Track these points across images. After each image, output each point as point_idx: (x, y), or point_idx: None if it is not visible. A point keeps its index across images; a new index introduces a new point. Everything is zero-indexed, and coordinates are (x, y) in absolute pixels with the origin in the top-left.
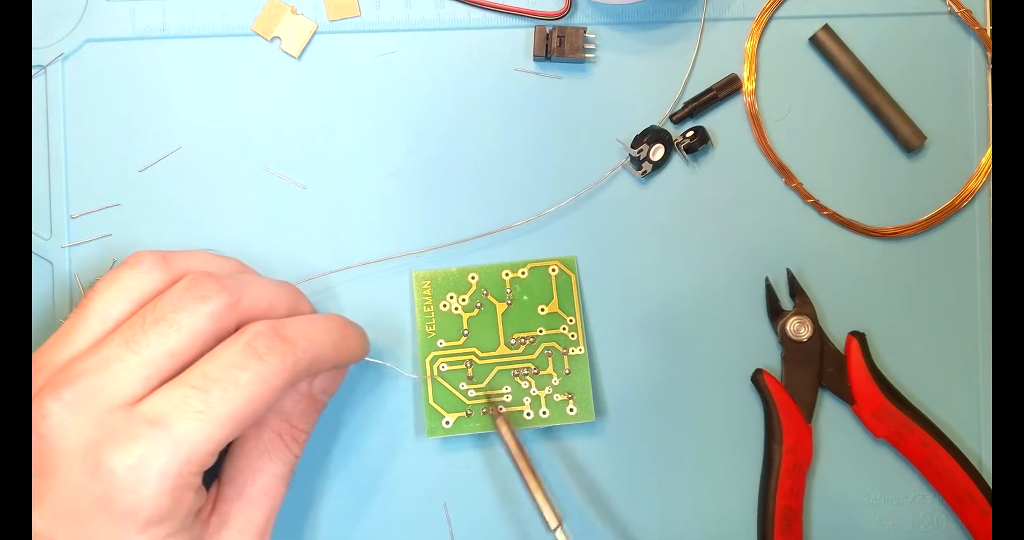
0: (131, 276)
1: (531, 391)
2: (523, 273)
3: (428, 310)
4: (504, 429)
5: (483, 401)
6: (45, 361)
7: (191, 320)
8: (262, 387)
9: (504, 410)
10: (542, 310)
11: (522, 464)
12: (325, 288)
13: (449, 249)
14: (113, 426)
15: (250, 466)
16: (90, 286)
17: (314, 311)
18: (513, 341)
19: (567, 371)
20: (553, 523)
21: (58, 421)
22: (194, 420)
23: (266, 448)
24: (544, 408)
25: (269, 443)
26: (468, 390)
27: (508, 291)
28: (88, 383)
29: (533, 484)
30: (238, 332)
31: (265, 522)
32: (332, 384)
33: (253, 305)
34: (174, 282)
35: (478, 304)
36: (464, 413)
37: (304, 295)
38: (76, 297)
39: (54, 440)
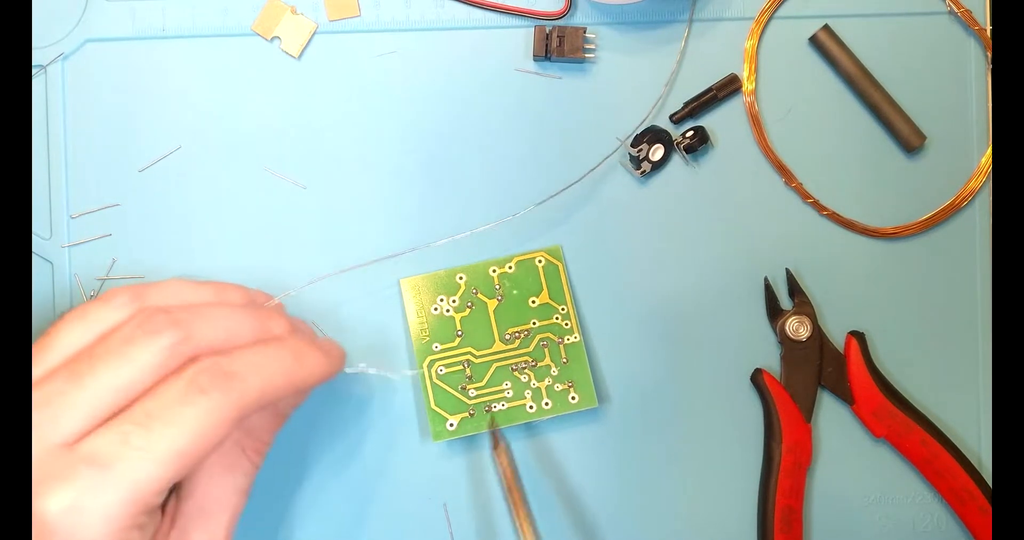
0: (102, 311)
1: (531, 384)
2: (510, 268)
3: (420, 315)
4: (503, 461)
5: (483, 406)
6: None
7: (140, 354)
8: (207, 422)
9: (501, 439)
10: (533, 302)
11: (516, 499)
12: (317, 296)
13: (436, 251)
14: (49, 466)
15: (211, 480)
16: (59, 317)
17: (288, 330)
18: (508, 336)
19: (564, 360)
20: None
21: None
22: (136, 459)
23: (227, 462)
24: (546, 399)
25: (230, 456)
26: (469, 390)
27: (497, 287)
28: (33, 419)
29: (523, 519)
30: (181, 369)
31: (225, 536)
32: (297, 398)
33: (209, 338)
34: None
35: (469, 303)
36: (467, 414)
37: (277, 314)
38: (76, 297)
39: None
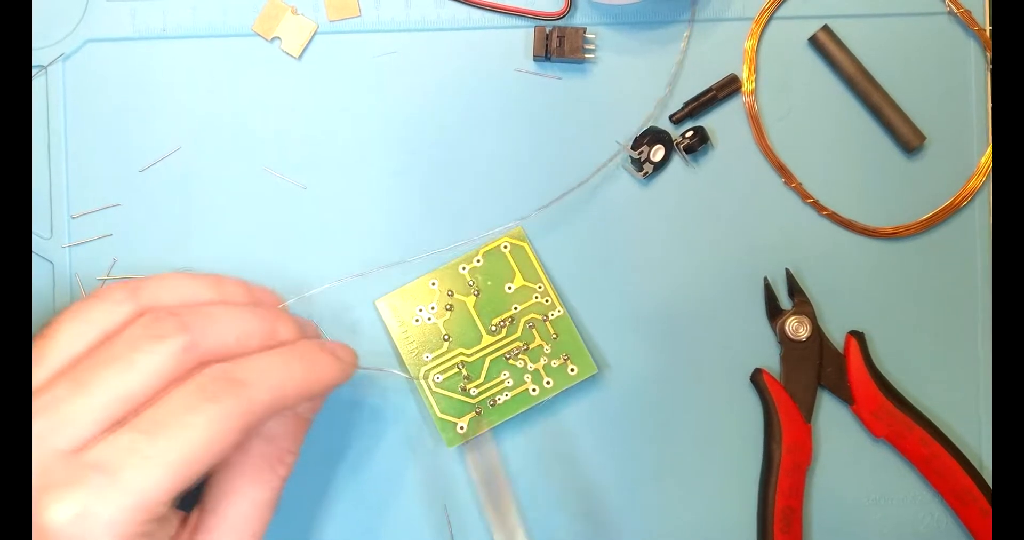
0: (99, 309)
1: (528, 368)
2: (478, 261)
3: (404, 331)
4: (494, 462)
5: (488, 401)
6: None
7: (147, 359)
8: (217, 431)
9: (488, 431)
10: (509, 288)
11: (505, 496)
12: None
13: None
14: (54, 473)
15: (235, 492)
16: (56, 315)
17: (296, 334)
18: (493, 327)
19: (554, 336)
20: None
21: None
22: (143, 467)
23: (251, 473)
24: (547, 378)
25: (254, 468)
26: (469, 389)
27: (471, 283)
28: (35, 426)
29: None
30: (189, 374)
31: None
32: (316, 402)
33: (217, 342)
34: (141, 316)
35: (448, 306)
36: (474, 413)
37: (285, 316)
38: (76, 297)
39: None
